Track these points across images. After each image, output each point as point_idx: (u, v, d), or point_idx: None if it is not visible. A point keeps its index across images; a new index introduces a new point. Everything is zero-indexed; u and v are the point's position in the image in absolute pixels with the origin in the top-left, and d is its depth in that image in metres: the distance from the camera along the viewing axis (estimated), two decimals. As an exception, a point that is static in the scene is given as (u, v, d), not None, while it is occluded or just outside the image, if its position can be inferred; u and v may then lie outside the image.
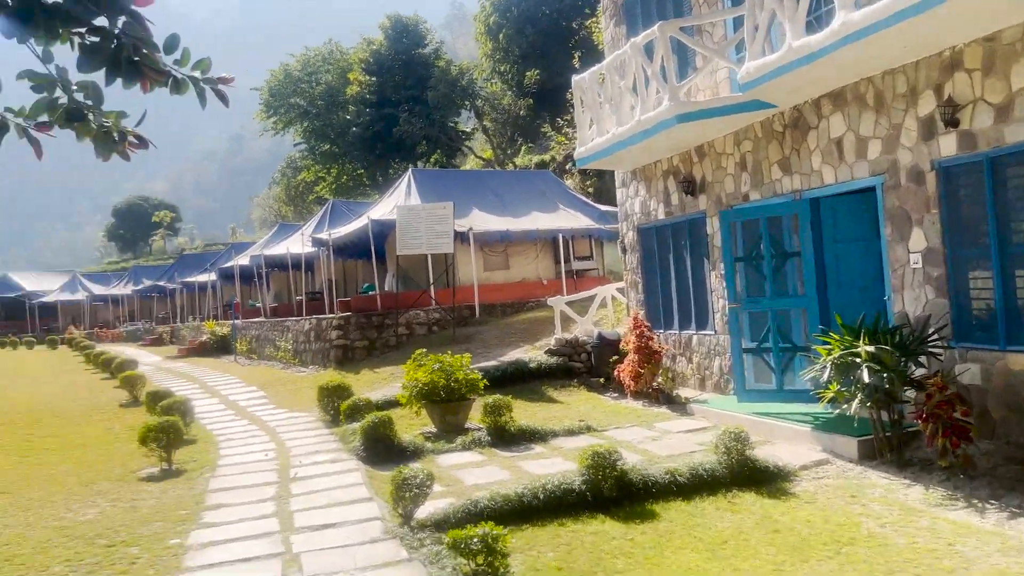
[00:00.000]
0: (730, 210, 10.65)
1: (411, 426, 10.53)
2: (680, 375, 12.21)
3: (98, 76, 5.50)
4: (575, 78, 12.92)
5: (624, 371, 11.94)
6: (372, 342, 18.27)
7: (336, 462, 8.92)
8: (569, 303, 15.39)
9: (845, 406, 7.33)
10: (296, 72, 48.37)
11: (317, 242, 23.01)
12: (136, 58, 5.16)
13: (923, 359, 7.55)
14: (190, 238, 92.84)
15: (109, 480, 9.00)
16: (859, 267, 9.39)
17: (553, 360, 13.46)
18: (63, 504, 7.97)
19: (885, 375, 7.05)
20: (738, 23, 10.15)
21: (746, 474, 7.11)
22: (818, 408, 8.48)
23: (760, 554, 5.46)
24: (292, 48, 51.69)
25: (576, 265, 22.54)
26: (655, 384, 11.56)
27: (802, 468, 7.39)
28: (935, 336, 7.54)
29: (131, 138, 5.72)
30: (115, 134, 5.58)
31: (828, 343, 7.67)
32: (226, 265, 32.80)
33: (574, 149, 13.96)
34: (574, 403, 11.91)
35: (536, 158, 39.67)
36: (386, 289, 21.00)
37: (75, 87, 5.31)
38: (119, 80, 4.86)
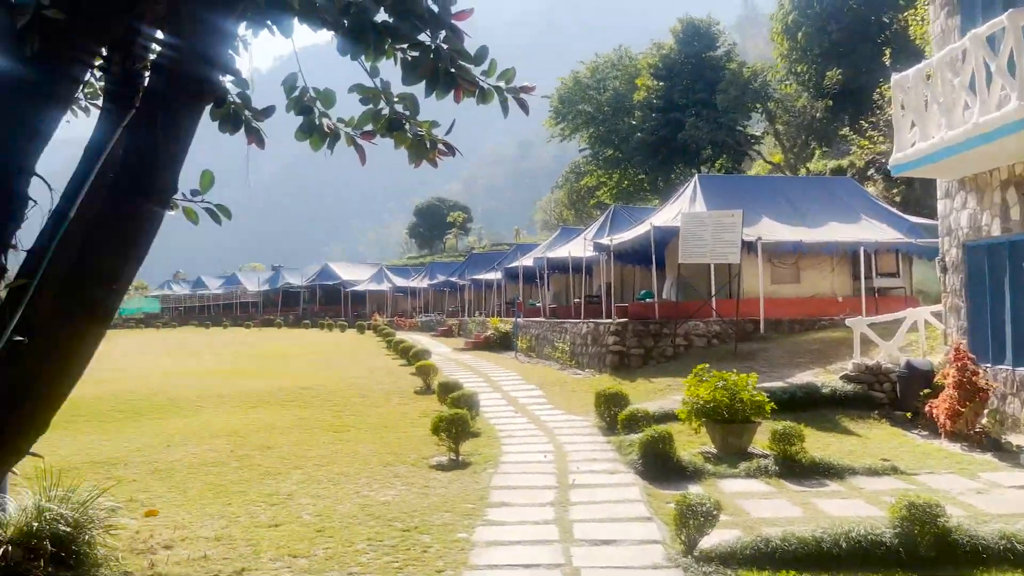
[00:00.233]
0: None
1: (689, 443, 10.10)
2: (1012, 419, 10.42)
3: (414, 88, 5.80)
4: (895, 77, 11.59)
5: (939, 407, 10.45)
6: (648, 350, 18.00)
7: (613, 473, 8.77)
8: (871, 324, 13.89)
9: None
10: (585, 79, 49.61)
11: (598, 246, 23.26)
12: (452, 69, 5.38)
13: None
14: (478, 237, 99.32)
15: (404, 464, 9.68)
16: None
17: (850, 387, 12.22)
18: (365, 482, 8.69)
19: None
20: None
21: (1115, 554, 5.76)
22: None
23: None
24: (583, 57, 53.10)
25: (879, 282, 20.36)
26: (979, 426, 9.99)
27: None
28: None
29: (440, 146, 6.02)
30: (427, 142, 5.90)
31: None
32: (511, 265, 34.44)
33: (879, 154, 12.53)
34: (874, 438, 10.68)
35: (832, 163, 36.83)
36: (664, 297, 20.61)
37: (396, 99, 5.68)
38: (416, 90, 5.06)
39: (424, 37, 5.17)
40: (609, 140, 48.63)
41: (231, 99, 5.24)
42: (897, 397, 11.93)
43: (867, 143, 31.71)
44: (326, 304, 60.94)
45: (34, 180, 4.57)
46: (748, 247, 18.71)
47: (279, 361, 24.81)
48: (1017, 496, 7.66)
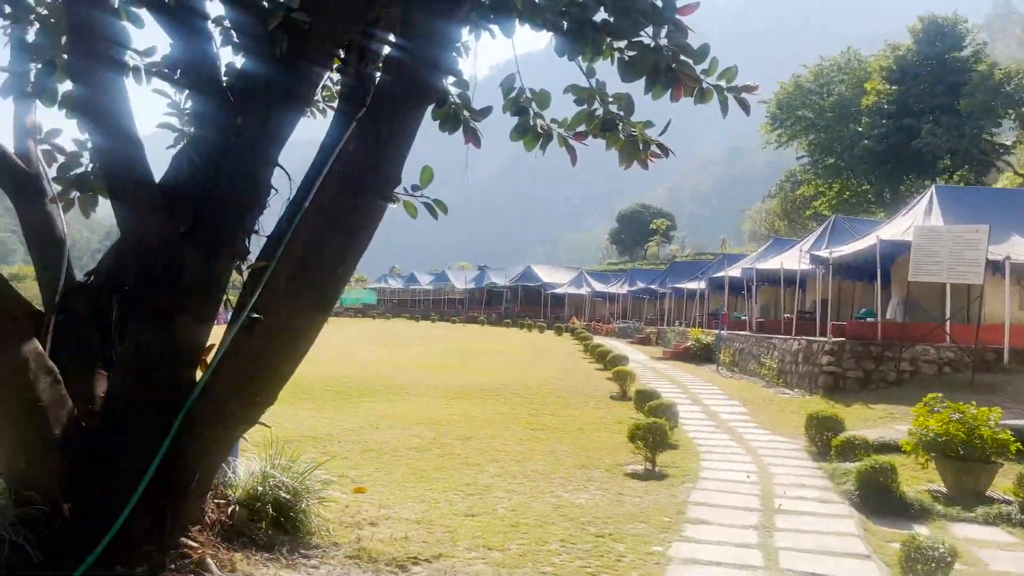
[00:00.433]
0: None
1: (913, 479, 9.14)
2: None
3: (629, 90, 5.64)
4: None
5: None
6: (868, 374, 16.59)
7: (825, 503, 8.11)
8: None
9: None
10: (807, 83, 46.91)
11: (815, 259, 21.87)
12: (673, 65, 5.17)
13: None
14: (681, 245, 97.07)
15: (598, 468, 9.57)
16: None
17: (1118, 433, 10.48)
18: (560, 482, 8.68)
19: None
20: None
21: None
22: None
23: None
24: (805, 58, 50.31)
25: None
26: None
27: None
28: None
29: (653, 147, 5.82)
30: (640, 143, 5.73)
31: None
32: (717, 275, 33.29)
33: None
34: None
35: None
36: (888, 317, 18.96)
37: (611, 99, 5.56)
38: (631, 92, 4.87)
39: (643, 35, 5.03)
40: (831, 148, 45.63)
41: (451, 99, 5.41)
42: None
43: None
44: (526, 304, 62.37)
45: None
46: (993, 267, 16.72)
47: (481, 357, 25.67)
48: None
